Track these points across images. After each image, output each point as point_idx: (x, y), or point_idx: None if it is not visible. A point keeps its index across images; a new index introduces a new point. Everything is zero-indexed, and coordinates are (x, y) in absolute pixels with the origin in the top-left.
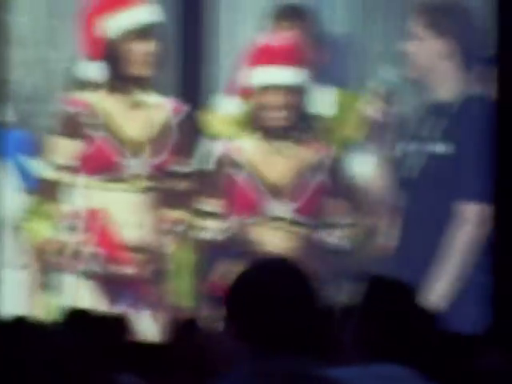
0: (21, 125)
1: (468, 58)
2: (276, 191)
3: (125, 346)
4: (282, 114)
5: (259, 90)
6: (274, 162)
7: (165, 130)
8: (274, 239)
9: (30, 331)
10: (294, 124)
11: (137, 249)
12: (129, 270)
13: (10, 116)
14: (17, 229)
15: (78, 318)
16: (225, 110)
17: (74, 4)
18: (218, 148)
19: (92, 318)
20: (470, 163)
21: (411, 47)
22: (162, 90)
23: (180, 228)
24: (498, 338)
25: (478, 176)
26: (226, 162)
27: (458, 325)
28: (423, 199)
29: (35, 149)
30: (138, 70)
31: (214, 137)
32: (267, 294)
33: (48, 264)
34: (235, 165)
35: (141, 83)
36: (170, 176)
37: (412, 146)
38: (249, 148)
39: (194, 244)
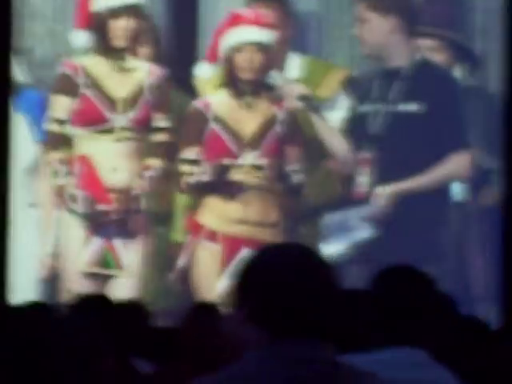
0: (34, 85)
1: (411, 29)
2: (242, 140)
3: (141, 331)
4: (251, 69)
5: (230, 51)
6: (242, 115)
7: (142, 90)
8: (244, 180)
9: (46, 317)
10: (261, 80)
11: (117, 190)
12: (109, 208)
13: (25, 78)
14: (29, 173)
15: (94, 303)
16: (203, 74)
17: None
18: (192, 105)
19: (109, 304)
20: (430, 119)
21: (360, 29)
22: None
23: (151, 174)
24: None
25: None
26: (199, 116)
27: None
28: (390, 152)
29: (45, 106)
30: (117, 41)
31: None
32: (280, 278)
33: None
34: (207, 118)
35: (121, 52)
36: (147, 129)
37: (374, 107)
38: (218, 103)
39: (183, 187)
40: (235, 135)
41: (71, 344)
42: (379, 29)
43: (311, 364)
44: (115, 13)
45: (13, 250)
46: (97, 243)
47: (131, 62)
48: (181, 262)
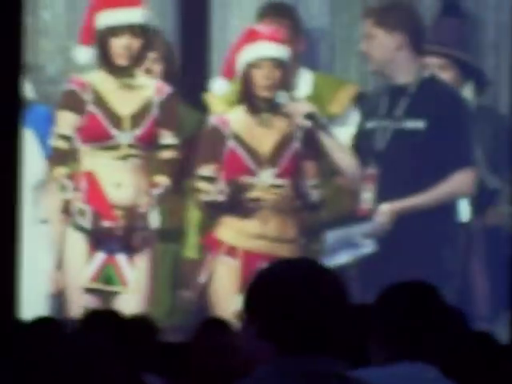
0: (43, 102)
1: (418, 46)
2: (259, 158)
3: (151, 346)
4: (268, 85)
5: (247, 67)
6: (258, 132)
7: (147, 107)
8: (261, 198)
9: (55, 332)
10: (276, 97)
11: (122, 207)
12: (113, 224)
13: (34, 94)
14: (38, 189)
15: (103, 319)
16: (218, 90)
17: (88, 1)
18: (209, 121)
19: (117, 319)
20: (436, 136)
21: (366, 45)
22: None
23: (158, 191)
24: None
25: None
26: (217, 134)
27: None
28: (395, 169)
29: (53, 122)
30: (119, 60)
31: (210, 113)
32: (291, 292)
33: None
34: (225, 136)
35: (127, 69)
36: (154, 146)
37: (381, 123)
38: (236, 120)
39: (198, 204)
40: (252, 152)
41: (80, 359)
42: (386, 45)
43: (323, 379)
44: (116, 31)
45: (23, 266)
46: (100, 259)
47: (137, 79)
48: (198, 278)
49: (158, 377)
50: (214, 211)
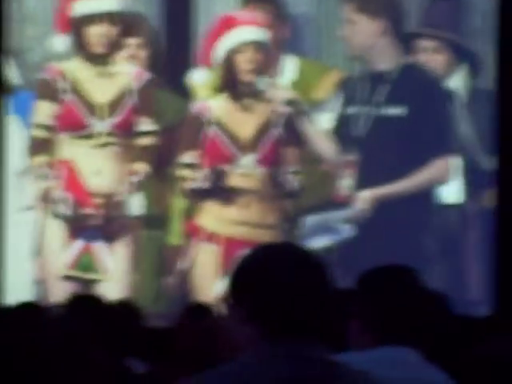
0: (27, 88)
1: (398, 33)
2: (240, 143)
3: (134, 331)
4: (252, 69)
5: (227, 53)
6: (239, 118)
7: (125, 94)
8: (242, 184)
9: (38, 317)
10: (258, 82)
11: (100, 194)
12: (92, 212)
13: (17, 80)
14: (22, 175)
15: (86, 303)
16: (198, 79)
17: None
18: (191, 108)
19: (100, 305)
20: (416, 123)
21: (347, 31)
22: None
23: (137, 178)
24: (502, 322)
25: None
26: (198, 120)
27: (462, 308)
28: (375, 155)
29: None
30: (95, 48)
31: (192, 100)
32: (275, 277)
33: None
34: (206, 122)
35: (103, 57)
36: (132, 134)
37: (362, 109)
38: (217, 106)
39: (182, 191)
40: (234, 138)
41: (62, 344)
42: (367, 31)
43: (308, 363)
44: (92, 19)
45: (7, 252)
46: (78, 247)
47: (115, 66)
48: (180, 264)
49: (141, 362)
50: (196, 198)
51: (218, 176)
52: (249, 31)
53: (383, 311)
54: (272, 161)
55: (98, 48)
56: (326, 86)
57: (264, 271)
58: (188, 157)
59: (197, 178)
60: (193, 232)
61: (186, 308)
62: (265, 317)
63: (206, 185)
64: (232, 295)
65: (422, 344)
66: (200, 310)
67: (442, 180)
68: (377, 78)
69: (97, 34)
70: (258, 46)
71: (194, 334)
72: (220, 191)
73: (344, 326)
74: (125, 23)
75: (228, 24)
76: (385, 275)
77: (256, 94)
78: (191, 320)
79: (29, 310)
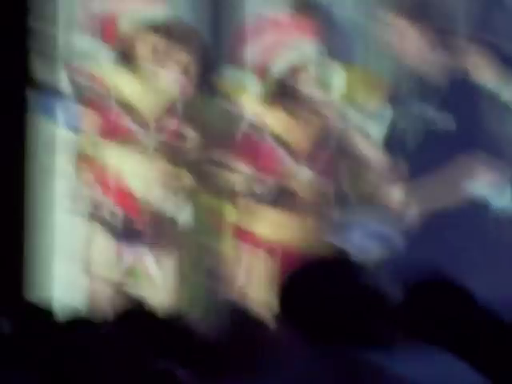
0: (71, 96)
1: (447, 41)
2: (296, 155)
3: (178, 341)
4: (305, 82)
5: (284, 65)
6: (295, 129)
7: (172, 105)
8: (298, 195)
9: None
10: (311, 94)
11: (146, 205)
12: (140, 222)
13: (66, 88)
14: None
15: (133, 315)
16: (249, 88)
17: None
18: (246, 119)
19: (148, 315)
20: (466, 135)
21: (395, 40)
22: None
23: (184, 188)
24: None
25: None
26: (254, 131)
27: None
28: (425, 166)
29: (68, 110)
30: (142, 58)
31: (238, 108)
32: (321, 287)
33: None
34: (262, 133)
35: (147, 68)
36: (179, 142)
37: (410, 119)
38: (272, 117)
39: (235, 200)
40: (289, 149)
41: (112, 355)
42: (415, 39)
43: (356, 370)
44: (140, 30)
45: (55, 262)
46: (126, 256)
47: (161, 77)
48: (231, 273)
49: (186, 370)
50: (249, 208)
51: (273, 188)
52: (304, 44)
53: (428, 322)
54: (327, 172)
55: (147, 59)
56: (373, 96)
57: (311, 281)
58: (242, 166)
59: (251, 189)
60: (245, 240)
61: (230, 316)
62: (312, 326)
63: (260, 196)
64: (280, 304)
65: (469, 355)
66: (245, 319)
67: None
68: (425, 88)
69: (145, 44)
70: (313, 59)
71: (239, 343)
72: (274, 202)
73: (391, 335)
74: (174, 35)
75: (282, 34)
76: (431, 286)
77: (310, 106)
78: (236, 328)
79: (80, 324)
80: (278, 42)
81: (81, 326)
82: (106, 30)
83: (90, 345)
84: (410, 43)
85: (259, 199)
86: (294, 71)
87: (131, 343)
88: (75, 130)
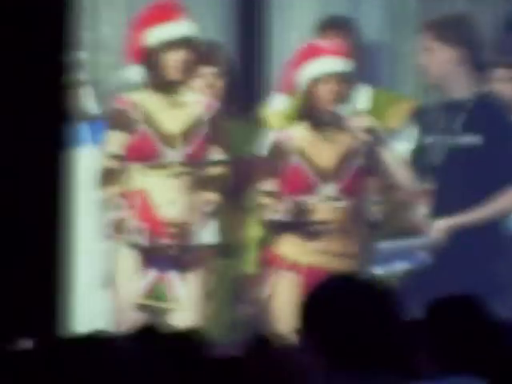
0: (99, 117)
1: (477, 61)
2: (322, 173)
3: (198, 361)
4: (334, 100)
5: (310, 82)
6: (321, 147)
7: (197, 124)
8: (324, 214)
9: (102, 349)
10: (340, 111)
11: (173, 224)
12: (165, 241)
13: (95, 109)
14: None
15: (150, 333)
16: (277, 106)
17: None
18: (271, 137)
19: (165, 334)
20: (492, 152)
21: (423, 58)
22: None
23: (210, 208)
24: None
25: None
26: (280, 149)
27: None
28: (451, 184)
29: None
30: (170, 75)
31: (268, 129)
32: (345, 307)
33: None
34: (287, 151)
35: (175, 86)
36: (203, 163)
37: (438, 138)
38: (298, 136)
39: (260, 220)
40: (314, 167)
41: (126, 375)
42: (444, 59)
43: None
44: (167, 45)
45: (77, 282)
46: (152, 276)
47: (185, 95)
48: (257, 293)
49: None
50: (276, 228)
51: (300, 209)
52: (333, 62)
53: (450, 342)
54: (353, 190)
55: (174, 75)
56: (398, 115)
57: (333, 301)
58: (268, 185)
59: (277, 209)
60: (271, 261)
61: (254, 338)
62: (334, 346)
63: (287, 217)
64: (304, 325)
65: (489, 375)
66: (269, 340)
67: None
68: (452, 107)
69: (173, 60)
70: (341, 77)
71: (260, 364)
72: (301, 225)
73: (414, 355)
74: (201, 51)
75: (311, 52)
76: (452, 306)
77: (337, 123)
78: (259, 350)
79: (92, 341)
80: (307, 60)
81: (96, 342)
82: (132, 49)
83: (102, 360)
84: (437, 62)
85: (285, 219)
86: (321, 88)
87: (147, 362)
88: (103, 150)
